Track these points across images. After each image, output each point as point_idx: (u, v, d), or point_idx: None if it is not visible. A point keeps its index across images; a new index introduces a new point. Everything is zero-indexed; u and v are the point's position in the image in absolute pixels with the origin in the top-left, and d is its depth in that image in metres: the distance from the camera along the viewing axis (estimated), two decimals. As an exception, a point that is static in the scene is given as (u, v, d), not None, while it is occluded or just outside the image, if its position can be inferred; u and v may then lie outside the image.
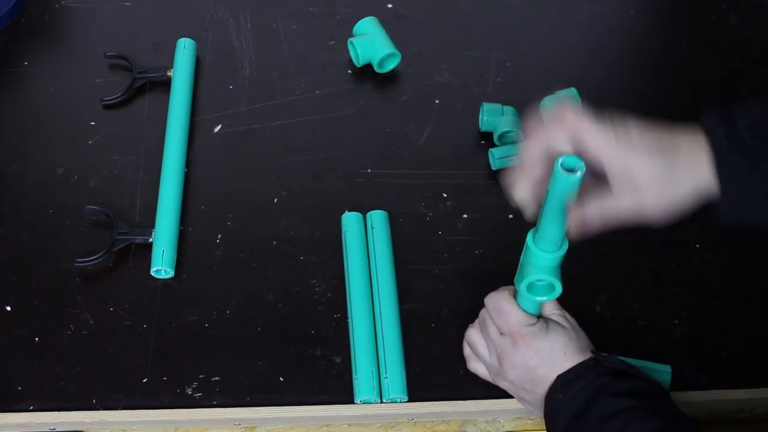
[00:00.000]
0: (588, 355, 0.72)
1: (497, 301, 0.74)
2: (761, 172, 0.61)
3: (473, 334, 0.78)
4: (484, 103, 0.95)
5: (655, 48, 1.06)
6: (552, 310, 0.76)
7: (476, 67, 1.01)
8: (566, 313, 0.76)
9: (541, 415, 0.73)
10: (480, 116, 0.95)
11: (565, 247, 0.68)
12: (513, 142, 0.94)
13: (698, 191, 0.63)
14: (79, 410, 0.78)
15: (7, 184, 0.91)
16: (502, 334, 0.74)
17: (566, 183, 0.61)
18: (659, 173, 0.62)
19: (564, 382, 0.70)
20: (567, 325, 0.74)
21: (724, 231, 0.91)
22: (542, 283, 0.70)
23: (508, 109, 0.94)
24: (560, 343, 0.72)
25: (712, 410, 0.84)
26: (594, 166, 0.63)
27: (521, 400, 0.75)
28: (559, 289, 0.69)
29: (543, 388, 0.72)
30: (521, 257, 0.71)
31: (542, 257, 0.68)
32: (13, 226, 0.88)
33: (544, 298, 0.71)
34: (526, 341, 0.72)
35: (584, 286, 0.87)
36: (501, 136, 0.94)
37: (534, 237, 0.68)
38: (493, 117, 0.94)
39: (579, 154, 0.62)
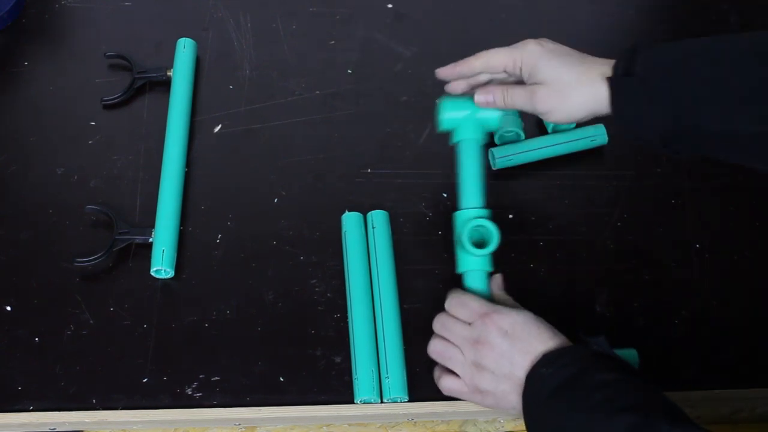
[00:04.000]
0: (562, 338, 0.73)
1: (456, 297, 0.79)
2: (640, 97, 0.72)
3: (437, 343, 0.78)
4: None
5: (655, 48, 1.06)
6: (501, 293, 0.80)
7: (476, 67, 1.01)
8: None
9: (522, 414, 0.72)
10: None
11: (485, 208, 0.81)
12: (513, 142, 0.94)
13: (589, 109, 0.76)
14: (79, 410, 0.78)
15: (7, 184, 0.91)
16: (470, 324, 0.75)
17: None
18: (558, 82, 0.76)
19: (548, 359, 0.71)
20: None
21: (724, 231, 0.91)
22: (479, 238, 0.80)
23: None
24: (530, 317, 0.74)
25: (712, 410, 0.84)
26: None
27: (503, 396, 0.74)
28: (496, 234, 0.79)
29: (523, 369, 0.72)
30: (454, 232, 0.83)
31: (471, 212, 0.81)
32: (13, 226, 0.88)
33: (488, 249, 0.79)
34: (497, 316, 0.74)
35: (584, 286, 0.87)
36: (501, 136, 0.94)
37: (459, 203, 0.83)
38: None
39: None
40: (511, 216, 0.91)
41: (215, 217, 0.89)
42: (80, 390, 0.79)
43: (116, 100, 0.96)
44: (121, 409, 0.78)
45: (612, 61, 0.76)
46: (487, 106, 0.81)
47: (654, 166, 0.95)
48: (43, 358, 0.80)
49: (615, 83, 0.74)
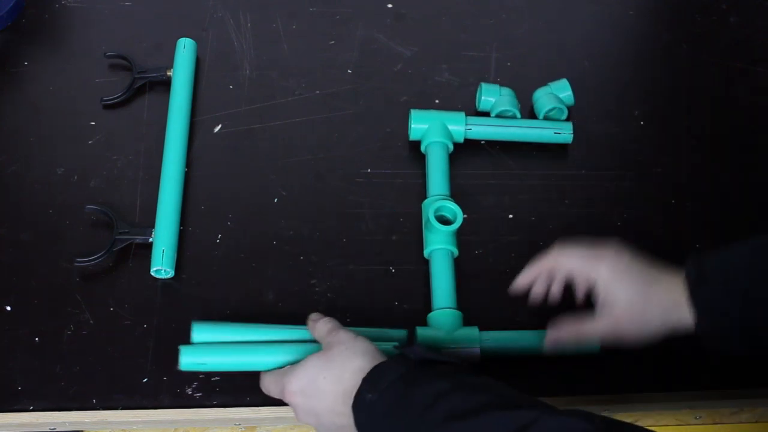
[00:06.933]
0: (375, 355, 0.70)
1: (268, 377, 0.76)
2: (724, 306, 0.71)
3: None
4: (482, 83, 0.95)
5: (655, 48, 1.06)
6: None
7: (476, 67, 1.01)
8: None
9: None
10: (477, 95, 0.95)
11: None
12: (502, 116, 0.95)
13: (668, 323, 0.74)
14: (79, 410, 0.78)
15: (7, 184, 0.91)
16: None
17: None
18: (635, 303, 0.74)
19: (371, 382, 0.67)
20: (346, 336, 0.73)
21: (724, 231, 0.91)
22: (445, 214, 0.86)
23: (506, 90, 0.95)
24: (321, 360, 0.71)
25: (712, 410, 0.84)
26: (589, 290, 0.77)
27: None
28: (459, 212, 0.85)
29: (345, 405, 0.68)
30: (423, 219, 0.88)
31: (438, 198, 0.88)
32: (13, 226, 0.88)
33: (454, 226, 0.84)
34: (288, 385, 0.72)
35: (584, 286, 0.87)
36: (498, 116, 0.94)
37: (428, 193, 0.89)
38: (491, 96, 0.95)
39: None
40: (511, 216, 0.91)
41: (215, 217, 0.89)
42: (80, 390, 0.79)
43: (116, 100, 0.96)
44: (121, 409, 0.78)
45: (676, 275, 0.74)
46: (558, 345, 0.79)
47: (654, 166, 0.95)
48: (43, 358, 0.80)
49: (693, 295, 0.72)
